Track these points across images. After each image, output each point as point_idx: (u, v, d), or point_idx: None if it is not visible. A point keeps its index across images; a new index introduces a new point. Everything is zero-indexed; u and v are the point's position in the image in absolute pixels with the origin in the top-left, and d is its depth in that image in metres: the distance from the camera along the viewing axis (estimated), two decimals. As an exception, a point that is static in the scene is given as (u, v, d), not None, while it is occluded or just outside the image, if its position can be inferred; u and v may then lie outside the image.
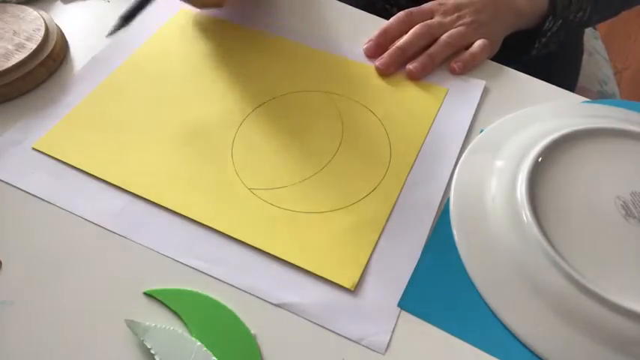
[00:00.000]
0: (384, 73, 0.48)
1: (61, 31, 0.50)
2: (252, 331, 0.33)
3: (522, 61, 0.56)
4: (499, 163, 0.40)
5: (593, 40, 0.83)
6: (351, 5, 0.55)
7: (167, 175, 0.41)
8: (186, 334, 0.33)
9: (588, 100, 0.47)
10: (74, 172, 0.41)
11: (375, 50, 0.49)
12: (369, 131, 0.44)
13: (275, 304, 0.34)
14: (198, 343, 0.32)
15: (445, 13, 0.50)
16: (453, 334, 0.33)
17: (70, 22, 0.53)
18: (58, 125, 0.44)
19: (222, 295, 0.35)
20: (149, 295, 0.35)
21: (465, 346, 0.33)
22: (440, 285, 0.35)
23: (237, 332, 0.33)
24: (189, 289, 0.35)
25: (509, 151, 0.41)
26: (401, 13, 0.50)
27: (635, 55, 1.65)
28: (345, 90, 0.47)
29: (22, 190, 0.40)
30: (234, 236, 0.37)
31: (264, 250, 0.36)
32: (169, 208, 0.39)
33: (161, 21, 0.53)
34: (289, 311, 0.34)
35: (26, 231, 0.38)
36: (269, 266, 0.36)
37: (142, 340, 0.32)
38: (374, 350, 0.33)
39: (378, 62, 0.48)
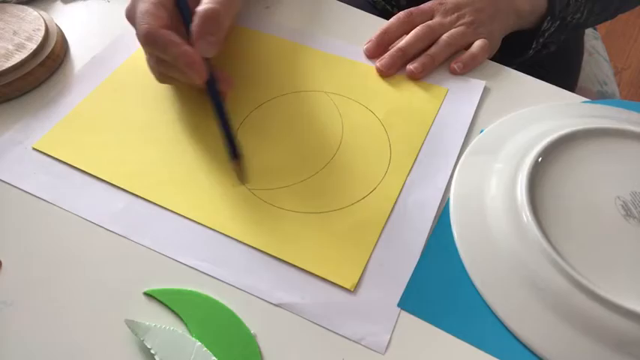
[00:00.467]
0: (385, 74, 0.48)
1: (61, 31, 0.50)
2: (252, 331, 0.33)
3: (522, 61, 0.56)
4: (499, 164, 0.40)
5: (593, 40, 0.83)
6: (352, 5, 0.55)
7: (167, 176, 0.41)
8: (186, 334, 0.33)
9: (588, 100, 0.47)
10: (74, 172, 0.41)
11: (375, 50, 0.49)
12: (369, 131, 0.44)
13: (275, 304, 0.34)
14: (198, 343, 0.32)
15: (445, 13, 0.50)
16: (452, 334, 0.33)
17: (70, 22, 0.53)
18: (58, 125, 0.44)
19: (222, 295, 0.35)
20: (149, 295, 0.35)
21: (465, 346, 0.33)
22: (440, 285, 0.35)
23: (237, 332, 0.33)
24: (189, 289, 0.35)
25: (509, 151, 0.41)
26: (401, 13, 0.50)
27: (635, 55, 1.65)
28: (345, 90, 0.47)
29: (22, 190, 0.40)
30: (234, 236, 0.37)
31: (264, 250, 0.36)
32: (169, 208, 0.39)
33: (161, 21, 0.53)
34: (289, 311, 0.34)
35: (26, 231, 0.38)
36: (269, 266, 0.36)
37: (142, 340, 0.32)
38: (374, 350, 0.33)
39: (378, 63, 0.48)
